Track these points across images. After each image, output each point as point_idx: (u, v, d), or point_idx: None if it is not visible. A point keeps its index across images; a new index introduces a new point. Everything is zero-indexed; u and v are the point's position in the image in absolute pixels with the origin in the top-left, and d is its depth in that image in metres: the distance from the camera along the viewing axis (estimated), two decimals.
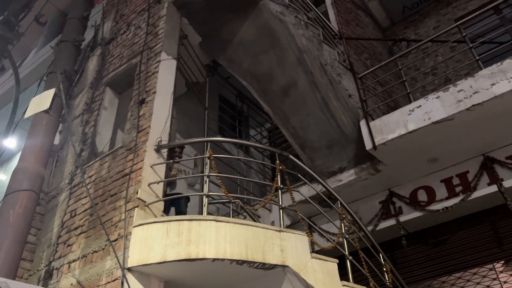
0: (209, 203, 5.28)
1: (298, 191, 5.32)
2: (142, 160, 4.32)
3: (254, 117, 8.45)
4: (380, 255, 4.80)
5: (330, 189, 5.21)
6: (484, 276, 5.58)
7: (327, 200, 5.07)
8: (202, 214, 4.07)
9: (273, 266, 3.85)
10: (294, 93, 6.48)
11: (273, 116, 6.73)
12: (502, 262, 5.66)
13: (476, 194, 5.58)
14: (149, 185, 4.24)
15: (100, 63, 6.37)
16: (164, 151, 4.64)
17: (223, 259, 3.67)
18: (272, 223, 6.56)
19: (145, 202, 4.09)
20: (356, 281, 4.38)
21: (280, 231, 4.08)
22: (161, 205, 4.28)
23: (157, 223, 3.84)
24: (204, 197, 4.12)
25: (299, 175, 5.21)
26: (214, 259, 3.65)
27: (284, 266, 3.87)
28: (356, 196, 6.50)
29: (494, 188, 5.47)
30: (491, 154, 5.63)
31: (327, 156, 6.46)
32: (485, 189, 5.54)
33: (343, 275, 4.30)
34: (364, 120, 5.84)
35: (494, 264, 5.60)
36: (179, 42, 5.88)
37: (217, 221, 3.84)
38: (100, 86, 6.01)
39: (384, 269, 4.73)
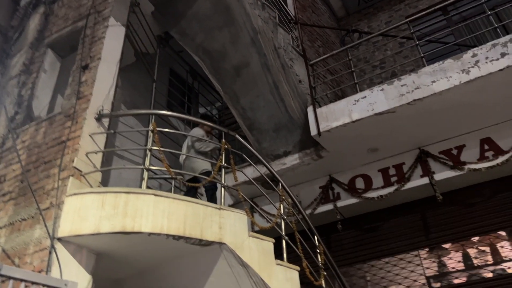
0: (151, 178, 5.21)
1: (242, 171, 5.35)
2: (81, 128, 4.14)
3: (204, 95, 8.34)
4: (315, 237, 4.95)
5: (273, 171, 5.27)
6: (409, 262, 5.94)
7: (270, 182, 5.14)
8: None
9: (210, 243, 3.87)
10: (246, 74, 6.44)
11: (223, 95, 6.67)
12: (427, 249, 6.06)
13: (409, 185, 5.90)
14: (86, 154, 4.07)
15: (43, 22, 5.97)
16: (106, 121, 4.46)
17: (159, 234, 3.63)
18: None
19: (81, 171, 3.93)
20: (290, 261, 4.50)
21: (220, 209, 4.09)
22: (98, 176, 4.14)
23: (93, 193, 3.72)
24: (144, 170, 4.02)
25: (244, 156, 5.24)
26: (150, 233, 3.60)
27: (221, 243, 3.90)
28: (298, 180, 6.65)
29: (426, 180, 5.80)
30: (426, 148, 5.95)
31: (273, 139, 6.53)
32: (417, 181, 5.86)
33: (279, 255, 4.41)
34: (311, 106, 5.94)
35: (420, 251, 5.99)
36: (130, 9, 5.63)
37: (156, 195, 3.78)
38: (41, 47, 5.64)
39: (318, 250, 4.90)
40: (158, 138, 4.18)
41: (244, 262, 3.93)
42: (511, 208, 5.54)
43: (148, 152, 4.09)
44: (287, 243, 4.57)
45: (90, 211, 3.60)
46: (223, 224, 4.00)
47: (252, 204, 5.48)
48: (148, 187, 4.04)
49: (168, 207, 3.76)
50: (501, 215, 5.58)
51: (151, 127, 4.16)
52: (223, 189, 4.41)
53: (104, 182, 4.86)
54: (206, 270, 4.06)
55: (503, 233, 5.77)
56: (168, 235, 3.66)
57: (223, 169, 4.55)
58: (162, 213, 3.70)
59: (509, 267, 5.54)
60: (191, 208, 3.87)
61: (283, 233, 4.58)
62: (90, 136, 4.18)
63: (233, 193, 6.64)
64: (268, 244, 4.27)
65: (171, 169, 4.17)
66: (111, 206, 3.60)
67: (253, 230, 4.71)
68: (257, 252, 4.09)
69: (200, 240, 3.80)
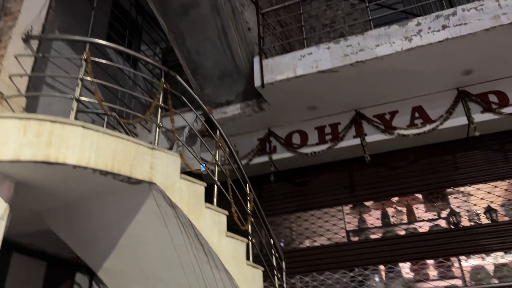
0: (81, 111, 4.96)
1: (181, 115, 5.24)
2: (5, 48, 3.78)
3: (149, 33, 7.92)
4: (247, 185, 5.05)
5: (214, 119, 5.22)
6: (333, 216, 6.30)
7: (209, 129, 5.10)
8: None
9: (139, 182, 3.80)
10: (194, 14, 6.15)
11: (168, 33, 6.36)
12: (350, 205, 6.44)
13: (342, 144, 6.14)
14: (10, 77, 3.75)
15: None
16: (35, 43, 4.11)
17: (85, 167, 3.49)
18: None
19: (2, 94, 3.63)
20: (220, 207, 4.55)
21: (153, 148, 4.00)
22: (22, 101, 3.85)
23: (14, 118, 3.45)
24: (74, 101, 3.80)
25: (185, 99, 5.11)
26: (75, 166, 3.45)
27: (151, 183, 3.84)
28: (237, 131, 6.67)
29: (357, 141, 6.06)
30: (362, 111, 6.18)
31: (217, 86, 6.43)
32: (350, 141, 6.12)
33: (210, 201, 4.44)
34: (258, 56, 5.87)
35: (343, 206, 6.35)
36: None
37: (84, 127, 3.59)
38: None
39: (248, 198, 5.01)
40: (92, 68, 3.93)
41: (173, 203, 3.92)
42: (430, 174, 5.99)
43: (79, 81, 3.84)
44: (218, 188, 4.61)
45: (11, 137, 3.36)
46: (154, 164, 3.93)
47: (188, 149, 5.43)
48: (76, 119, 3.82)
49: (97, 141, 3.60)
50: (420, 179, 6.02)
51: (84, 56, 3.89)
52: (157, 129, 4.29)
53: (31, 111, 4.55)
54: (133, 208, 4.02)
55: (420, 196, 6.27)
56: (95, 170, 3.54)
57: (159, 109, 4.41)
58: (90, 146, 3.54)
59: (420, 227, 6.06)
60: (121, 145, 3.74)
61: (216, 178, 4.61)
62: (15, 57, 3.84)
63: (170, 137, 6.54)
64: (199, 188, 4.28)
65: (104, 103, 3.97)
66: (34, 133, 3.38)
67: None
68: (188, 194, 4.10)
69: (129, 178, 3.71)
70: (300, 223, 6.44)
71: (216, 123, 5.13)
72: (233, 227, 4.62)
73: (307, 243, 6.38)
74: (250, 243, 4.60)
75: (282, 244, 6.48)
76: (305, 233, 6.36)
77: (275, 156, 6.43)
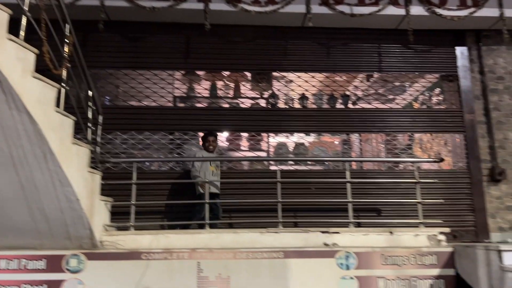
0: None
1: None
2: None
3: None
4: (67, 26, 4.38)
5: None
6: (162, 79, 6.14)
7: None
8: None
9: None
10: None
11: None
12: (182, 72, 6.36)
13: (184, 5, 5.75)
14: None
15: None
16: None
17: None
18: None
19: None
20: (30, 44, 3.89)
21: None
22: None
23: None
24: None
25: None
26: None
27: None
28: None
29: (201, 6, 5.75)
30: None
31: None
32: (193, 4, 5.79)
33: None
34: None
35: (175, 71, 6.23)
36: None
37: None
38: None
39: (67, 41, 4.39)
40: None
41: None
42: (262, 55, 6.27)
43: None
44: (29, 22, 3.87)
45: None
46: None
47: None
48: None
49: None
50: (252, 58, 6.23)
51: None
52: None
53: None
54: None
55: (248, 74, 6.56)
56: None
57: None
58: None
59: (242, 103, 6.44)
60: None
61: (26, 9, 3.83)
62: None
63: None
64: (1, 14, 3.52)
65: None
66: None
67: None
68: None
69: None
70: (127, 80, 6.12)
71: None
72: (47, 73, 4.06)
73: (132, 102, 6.17)
74: (62, 89, 4.15)
75: (107, 102, 6.13)
76: (131, 92, 6.11)
77: (108, 2, 5.68)
